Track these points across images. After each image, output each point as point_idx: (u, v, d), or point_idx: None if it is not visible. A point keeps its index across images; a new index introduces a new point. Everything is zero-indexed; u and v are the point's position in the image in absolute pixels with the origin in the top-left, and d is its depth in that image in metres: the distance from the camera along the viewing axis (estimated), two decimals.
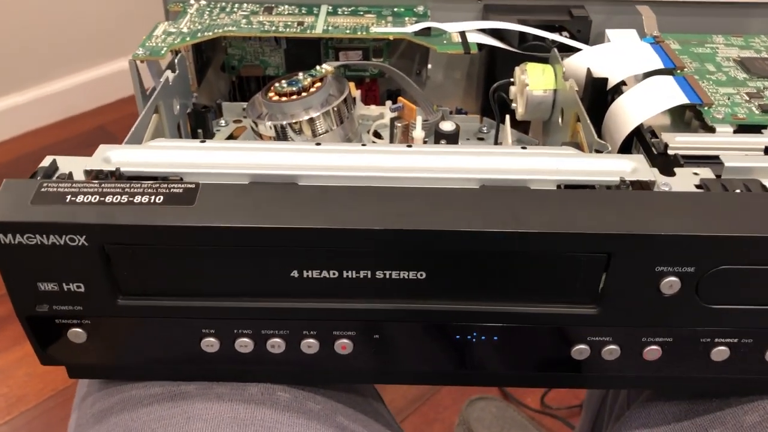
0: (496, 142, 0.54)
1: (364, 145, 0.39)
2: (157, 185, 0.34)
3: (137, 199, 0.33)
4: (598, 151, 0.40)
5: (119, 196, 0.33)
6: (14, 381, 1.13)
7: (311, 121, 0.49)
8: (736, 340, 0.36)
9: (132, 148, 0.38)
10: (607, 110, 0.48)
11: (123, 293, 0.35)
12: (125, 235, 0.33)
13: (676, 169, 0.38)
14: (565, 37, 0.56)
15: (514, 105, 0.52)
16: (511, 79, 0.52)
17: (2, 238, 0.32)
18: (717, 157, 0.38)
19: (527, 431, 1.05)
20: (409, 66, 0.60)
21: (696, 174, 0.37)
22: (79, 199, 0.33)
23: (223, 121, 0.57)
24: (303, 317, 0.36)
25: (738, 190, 0.35)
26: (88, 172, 0.36)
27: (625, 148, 0.46)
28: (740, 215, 0.33)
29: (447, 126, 0.49)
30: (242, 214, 0.33)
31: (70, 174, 0.36)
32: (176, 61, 0.49)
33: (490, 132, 0.56)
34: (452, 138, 0.49)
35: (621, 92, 0.48)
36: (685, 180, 0.37)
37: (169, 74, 0.48)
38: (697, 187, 0.36)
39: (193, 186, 0.34)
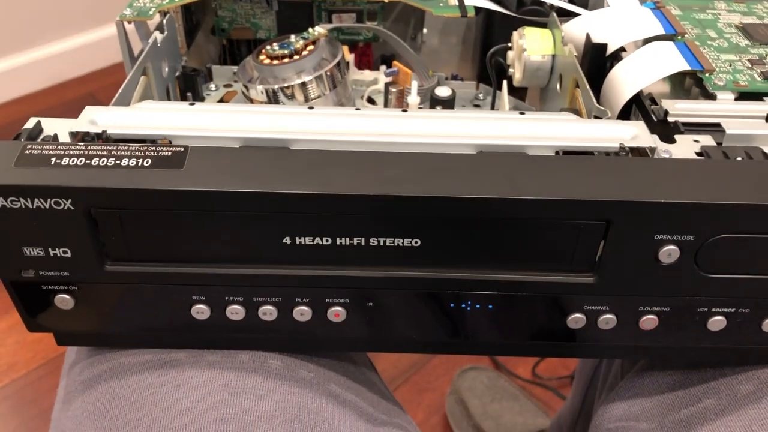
0: (492, 109, 0.53)
1: (358, 109, 0.38)
2: (145, 148, 0.33)
3: (124, 162, 0.32)
4: (597, 118, 0.39)
5: (106, 159, 0.32)
6: (4, 349, 1.13)
7: (303, 85, 0.48)
8: (733, 310, 0.36)
9: (119, 110, 0.37)
10: (606, 76, 0.47)
11: (110, 259, 0.34)
12: (112, 199, 0.32)
13: (676, 137, 0.37)
14: (564, 0, 0.55)
15: (511, 70, 0.51)
16: (509, 44, 0.51)
17: None
18: (718, 125, 0.38)
19: (518, 401, 1.05)
20: (404, 30, 0.58)
21: (697, 141, 0.37)
22: (65, 161, 0.32)
23: (213, 86, 0.56)
24: (295, 284, 0.35)
25: (739, 158, 0.35)
26: (73, 134, 0.35)
27: (624, 114, 0.45)
28: (741, 183, 0.32)
29: (443, 92, 0.48)
30: (233, 178, 0.32)
31: (55, 136, 0.35)
32: (165, 22, 0.48)
33: (486, 99, 0.55)
34: (448, 104, 0.48)
35: (620, 58, 0.47)
36: (685, 147, 0.36)
37: (158, 35, 0.46)
38: (698, 154, 0.36)
39: (182, 149, 0.33)
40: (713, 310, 0.36)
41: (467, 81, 0.59)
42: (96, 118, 0.36)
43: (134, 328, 0.38)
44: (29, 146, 0.33)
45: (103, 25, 1.65)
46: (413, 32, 0.58)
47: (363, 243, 0.34)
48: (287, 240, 0.33)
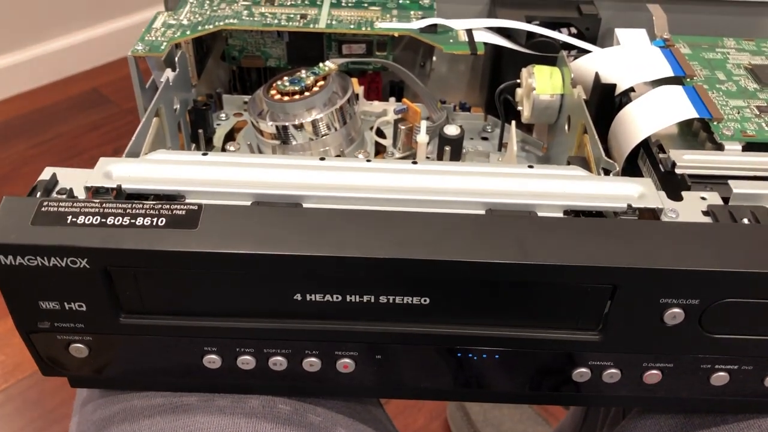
0: (500, 143, 0.54)
1: (369, 161, 0.39)
2: (160, 206, 0.33)
3: (139, 221, 0.33)
4: (605, 170, 0.40)
5: (121, 218, 0.33)
6: (10, 350, 1.14)
7: (314, 122, 0.48)
8: (736, 367, 0.36)
9: (133, 162, 0.37)
10: (614, 115, 0.47)
11: (125, 311, 0.35)
12: (127, 259, 0.32)
13: (683, 193, 0.37)
14: (573, 34, 0.55)
15: (520, 108, 0.51)
16: (518, 81, 0.51)
17: (2, 258, 0.32)
18: (726, 181, 0.38)
19: (519, 408, 1.07)
20: (414, 58, 0.59)
21: (704, 199, 0.37)
22: (80, 219, 0.33)
23: (223, 115, 0.56)
24: (305, 338, 0.36)
25: (745, 219, 0.35)
26: (88, 189, 0.35)
27: (632, 158, 0.45)
28: (746, 250, 0.33)
29: (451, 130, 0.48)
30: (246, 239, 0.32)
31: (71, 191, 0.35)
32: (177, 59, 0.48)
33: (494, 131, 0.56)
34: (456, 143, 0.48)
35: (629, 99, 0.47)
36: (692, 206, 0.36)
37: (170, 74, 0.47)
38: (705, 213, 0.36)
39: (196, 207, 0.33)
40: (716, 366, 0.36)
41: (475, 109, 0.59)
42: (111, 171, 0.36)
43: (147, 374, 0.39)
44: (45, 203, 0.33)
45: (108, 20, 1.65)
46: (422, 60, 0.59)
47: (373, 300, 0.34)
48: (298, 297, 0.34)
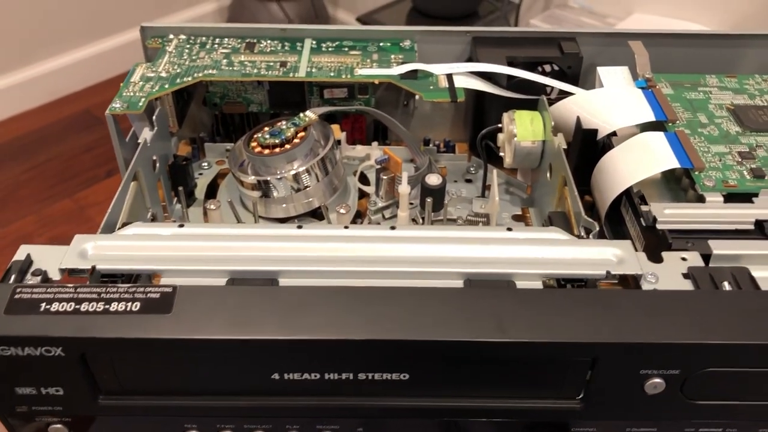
0: (483, 185, 0.53)
1: (346, 227, 0.38)
2: (134, 290, 0.33)
3: (113, 306, 0.32)
4: (586, 229, 0.39)
5: (95, 303, 0.32)
6: None
7: (296, 175, 0.48)
8: (720, 430, 0.36)
9: (107, 239, 0.37)
10: (598, 158, 0.47)
11: (103, 393, 0.35)
12: (102, 347, 0.32)
13: (663, 254, 0.37)
14: (555, 71, 0.54)
15: (501, 153, 0.51)
16: (499, 125, 0.51)
17: None
18: (706, 238, 0.38)
19: None
20: (397, 98, 0.58)
21: (684, 259, 0.37)
22: (54, 307, 0.32)
23: (205, 163, 0.56)
24: (284, 414, 0.35)
25: (726, 283, 0.35)
26: (63, 271, 0.35)
27: (617, 203, 0.45)
28: (726, 319, 0.32)
29: (433, 180, 0.48)
30: (220, 323, 0.32)
31: (45, 274, 0.35)
32: (155, 117, 0.48)
33: (478, 173, 0.55)
34: (438, 193, 0.48)
35: (611, 144, 0.47)
36: (672, 268, 0.36)
37: (147, 135, 0.46)
38: (685, 276, 0.36)
39: (170, 290, 0.33)
40: (700, 430, 0.36)
41: (460, 146, 0.59)
42: (85, 250, 0.36)
43: None
44: (19, 290, 0.33)
45: (98, 40, 1.64)
46: (405, 99, 0.58)
47: (352, 377, 0.34)
48: (275, 376, 0.34)
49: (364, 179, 0.54)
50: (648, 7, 1.27)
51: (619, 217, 0.46)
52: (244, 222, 0.49)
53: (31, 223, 1.36)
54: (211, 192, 0.54)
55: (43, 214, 1.37)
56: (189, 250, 0.36)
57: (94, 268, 0.35)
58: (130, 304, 0.33)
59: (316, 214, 0.50)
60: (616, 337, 0.32)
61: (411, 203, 0.51)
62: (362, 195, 0.53)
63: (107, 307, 0.32)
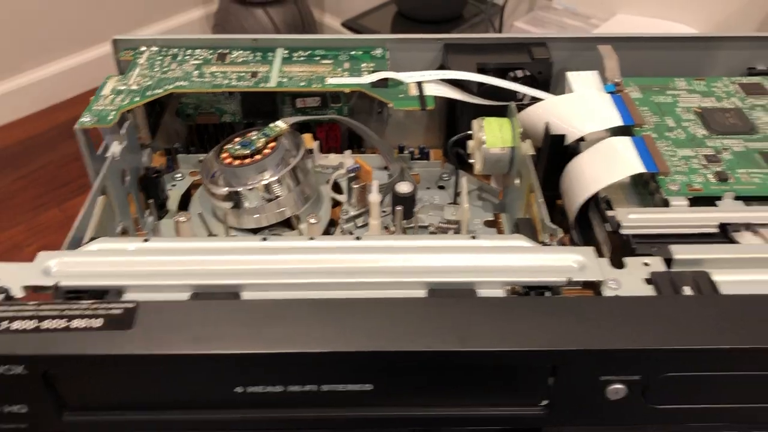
0: (455, 192, 0.53)
1: (312, 238, 0.38)
2: (96, 306, 0.33)
3: (75, 323, 0.32)
4: (551, 236, 0.40)
5: (57, 320, 0.33)
6: None
7: (267, 185, 0.48)
8: None
9: (71, 256, 0.37)
10: (566, 163, 0.47)
11: (69, 409, 0.35)
12: (64, 364, 0.32)
13: (625, 260, 0.37)
14: (526, 77, 0.55)
15: (471, 160, 0.51)
16: (469, 132, 0.51)
17: None
18: (671, 243, 0.38)
19: None
20: (371, 105, 0.58)
21: (647, 265, 0.37)
22: (15, 325, 0.32)
23: (179, 175, 0.56)
24: (249, 427, 0.35)
25: (687, 288, 0.35)
26: (26, 288, 0.35)
27: (583, 209, 0.45)
28: (686, 324, 0.33)
29: (403, 188, 0.48)
30: (181, 338, 0.32)
31: (8, 292, 0.35)
32: (123, 131, 0.48)
33: (451, 179, 0.55)
34: (408, 201, 0.48)
35: (579, 150, 0.47)
36: (634, 274, 0.36)
37: (116, 149, 0.47)
38: (647, 281, 0.36)
39: (132, 305, 0.33)
40: None
41: (436, 153, 0.59)
42: (49, 267, 0.36)
43: None
44: None
45: (87, 48, 1.64)
46: (379, 107, 0.58)
47: (316, 389, 0.34)
48: (239, 389, 0.34)
49: (337, 188, 0.54)
50: (631, 8, 1.28)
51: (589, 222, 0.46)
52: (216, 233, 0.49)
53: (22, 232, 1.36)
54: (185, 203, 0.54)
55: (33, 223, 1.37)
56: (153, 264, 0.36)
57: (57, 285, 0.35)
58: (92, 320, 0.33)
59: (289, 224, 0.50)
60: (574, 344, 0.32)
61: (384, 211, 0.51)
62: (336, 204, 0.53)
63: (69, 324, 0.32)
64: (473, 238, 0.39)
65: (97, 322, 0.33)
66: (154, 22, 1.69)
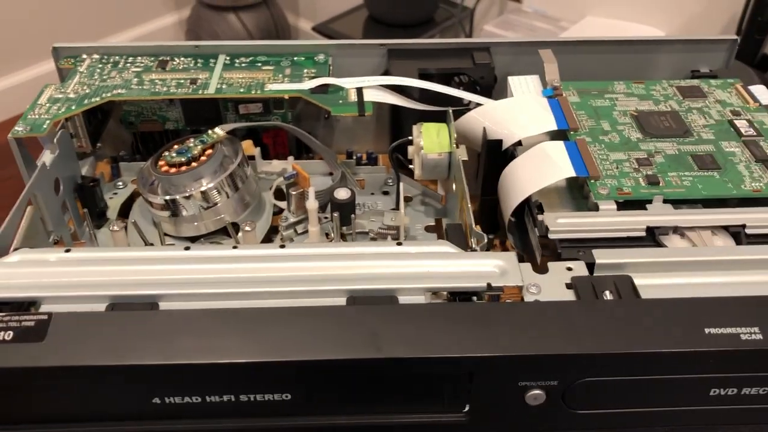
0: (397, 198, 0.53)
1: (235, 247, 0.38)
2: (8, 318, 0.33)
3: None
4: (478, 240, 0.40)
5: None
6: None
7: (204, 192, 0.48)
8: None
9: None
10: (504, 167, 0.47)
11: None
12: None
13: (549, 264, 0.37)
14: (469, 82, 0.55)
15: (411, 166, 0.51)
16: (410, 138, 0.51)
17: None
18: (598, 247, 0.38)
19: None
20: (318, 111, 0.58)
21: (570, 269, 0.37)
22: None
23: (120, 183, 0.56)
24: None
25: (608, 292, 0.35)
26: None
27: (519, 212, 0.45)
28: (603, 330, 0.33)
29: (342, 194, 0.48)
30: (93, 350, 0.32)
31: None
32: (56, 140, 0.47)
33: (395, 184, 0.55)
34: (347, 207, 0.48)
35: (516, 154, 0.47)
36: (556, 279, 0.36)
37: (47, 158, 0.46)
38: (568, 286, 0.36)
39: (45, 317, 0.33)
40: None
41: (384, 158, 0.59)
42: None
43: None
44: None
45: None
46: (326, 112, 0.58)
47: (233, 399, 0.34)
48: (156, 400, 0.34)
49: (280, 194, 0.53)
50: (600, 10, 1.28)
51: (524, 226, 0.46)
52: (152, 242, 0.48)
53: None
54: (127, 212, 0.53)
55: None
56: (72, 275, 0.36)
57: None
58: (2, 333, 0.32)
59: (228, 232, 0.50)
60: (487, 350, 0.32)
61: (326, 217, 0.51)
62: (279, 211, 0.53)
63: None
64: (399, 244, 0.38)
65: (8, 335, 0.32)
66: (126, 29, 1.69)
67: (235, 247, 0.38)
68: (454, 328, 0.33)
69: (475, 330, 0.33)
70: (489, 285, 0.35)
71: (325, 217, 0.51)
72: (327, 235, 0.50)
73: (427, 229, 0.52)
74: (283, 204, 0.52)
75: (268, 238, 0.51)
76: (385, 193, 0.55)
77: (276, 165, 0.55)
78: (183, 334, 0.32)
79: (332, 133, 0.60)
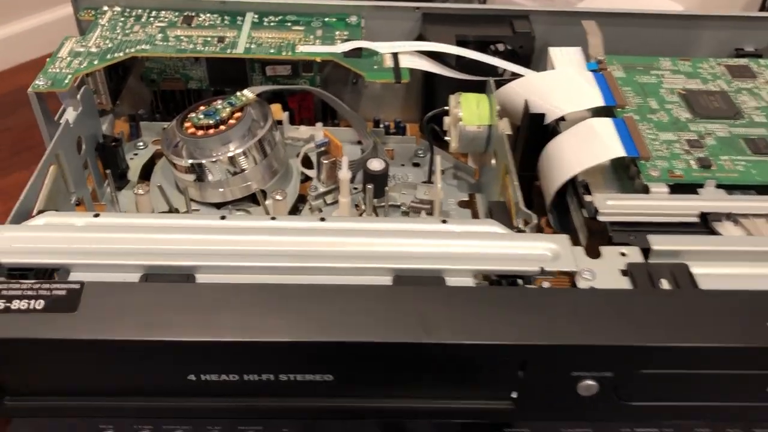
0: (430, 170, 0.51)
1: (273, 218, 0.36)
2: (38, 286, 0.31)
3: (15, 304, 0.30)
4: (525, 222, 0.38)
5: None
6: None
7: (232, 157, 0.46)
8: (656, 430, 0.35)
9: (15, 231, 0.35)
10: (546, 142, 0.45)
11: (10, 394, 0.33)
12: (3, 348, 0.30)
13: (602, 249, 0.36)
14: (507, 51, 0.52)
15: (447, 138, 0.49)
16: (446, 108, 0.49)
17: None
18: (649, 231, 0.37)
19: None
20: (345, 75, 0.56)
21: (624, 255, 0.35)
22: None
23: (141, 143, 0.53)
24: (204, 415, 0.34)
25: (664, 280, 0.34)
26: None
27: (562, 192, 0.44)
28: (659, 322, 0.31)
29: (375, 165, 0.46)
30: (128, 324, 0.30)
31: None
32: (79, 96, 0.45)
33: (426, 156, 0.53)
34: (380, 179, 0.46)
35: (559, 130, 0.45)
36: (610, 264, 0.35)
37: (70, 115, 0.44)
38: (623, 273, 0.34)
39: (78, 286, 0.31)
40: (635, 430, 0.35)
41: (412, 127, 0.57)
42: None
43: None
44: None
45: (57, 5, 1.58)
46: (354, 77, 0.56)
47: (273, 378, 0.32)
48: (192, 377, 0.32)
49: (307, 162, 0.51)
50: None
51: (566, 205, 0.45)
52: (177, 207, 0.47)
53: None
54: (148, 174, 0.51)
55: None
56: (102, 242, 0.34)
57: None
58: (33, 302, 0.30)
59: (255, 199, 0.48)
60: (543, 340, 0.30)
61: (355, 188, 0.49)
62: (306, 179, 0.51)
63: (8, 305, 0.30)
64: (444, 222, 0.37)
65: (39, 304, 0.30)
66: None
67: (273, 218, 0.36)
68: (508, 314, 0.31)
69: (530, 316, 0.31)
70: (542, 269, 0.34)
71: (355, 188, 0.49)
72: (356, 206, 0.48)
73: (460, 204, 0.50)
74: (310, 172, 0.51)
75: (295, 208, 0.49)
76: (416, 164, 0.53)
77: (304, 131, 0.53)
78: (223, 309, 0.31)
79: (359, 99, 0.57)
